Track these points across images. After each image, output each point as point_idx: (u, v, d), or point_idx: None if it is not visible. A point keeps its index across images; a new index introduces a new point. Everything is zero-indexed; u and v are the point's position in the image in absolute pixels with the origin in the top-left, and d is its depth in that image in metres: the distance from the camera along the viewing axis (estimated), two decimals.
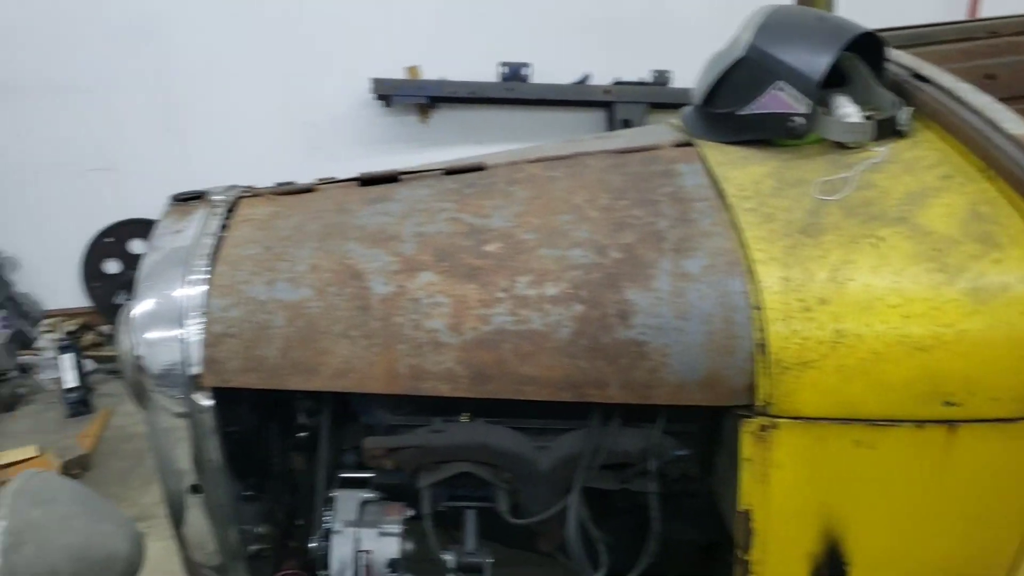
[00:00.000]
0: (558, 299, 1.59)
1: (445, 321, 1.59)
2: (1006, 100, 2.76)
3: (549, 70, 4.01)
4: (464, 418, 1.77)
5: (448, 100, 3.99)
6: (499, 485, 1.80)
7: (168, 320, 1.64)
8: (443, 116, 4.12)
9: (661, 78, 3.85)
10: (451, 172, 1.94)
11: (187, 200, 1.87)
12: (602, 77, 3.98)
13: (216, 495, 1.73)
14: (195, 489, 1.72)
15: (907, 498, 1.54)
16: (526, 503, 1.80)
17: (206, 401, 1.64)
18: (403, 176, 1.94)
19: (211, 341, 1.62)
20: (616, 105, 3.88)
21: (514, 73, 3.92)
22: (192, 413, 1.65)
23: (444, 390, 1.59)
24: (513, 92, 3.91)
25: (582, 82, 3.95)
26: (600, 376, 1.56)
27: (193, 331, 1.62)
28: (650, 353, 1.55)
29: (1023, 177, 1.50)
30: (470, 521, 1.89)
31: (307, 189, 1.93)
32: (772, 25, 1.87)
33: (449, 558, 1.81)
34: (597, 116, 4.01)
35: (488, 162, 1.97)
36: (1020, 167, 1.51)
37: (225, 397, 1.69)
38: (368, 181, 1.92)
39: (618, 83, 3.94)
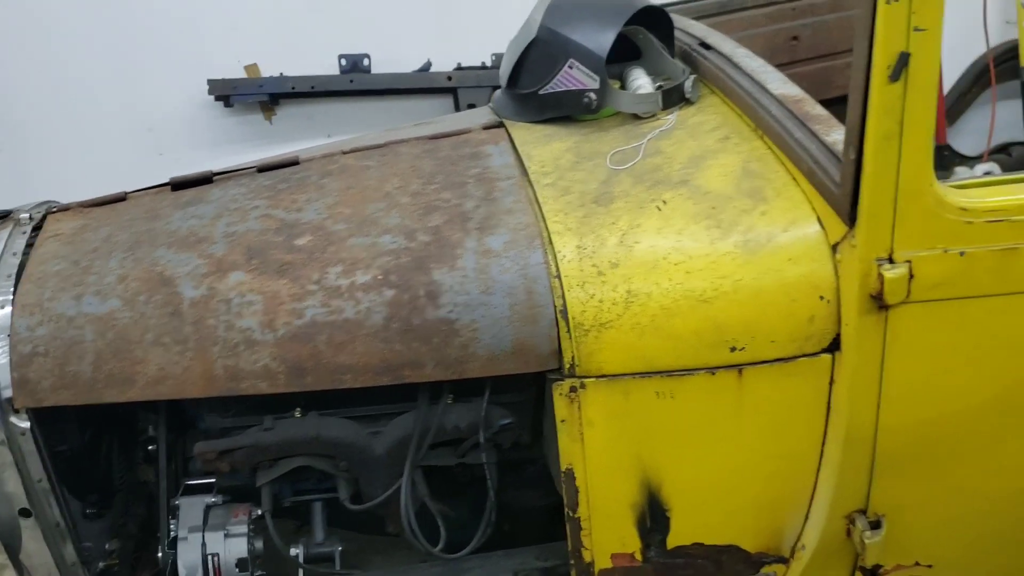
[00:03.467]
0: (369, 286, 1.63)
1: (258, 319, 1.62)
2: (810, 60, 2.94)
3: (391, 59, 4.01)
4: (297, 413, 1.80)
5: (290, 96, 3.95)
6: (338, 474, 1.84)
7: None
8: (288, 112, 4.08)
9: (501, 61, 3.91)
10: (264, 169, 1.95)
11: None
12: (444, 63, 4.01)
13: (48, 516, 1.72)
14: (25, 513, 1.71)
15: (710, 442, 1.64)
16: (366, 489, 1.84)
17: (23, 423, 1.62)
18: (217, 177, 1.94)
19: (20, 362, 1.60)
20: (460, 90, 3.92)
21: (354, 64, 3.91)
22: (11, 437, 1.63)
23: (263, 388, 1.62)
24: (355, 84, 3.89)
25: (424, 70, 3.97)
26: (415, 357, 1.62)
27: (0, 354, 1.60)
28: (460, 330, 1.61)
29: (783, 133, 1.61)
30: (316, 513, 1.92)
31: (118, 199, 1.91)
32: (561, 5, 1.95)
33: (297, 551, 1.84)
34: (443, 102, 4.03)
35: (303, 156, 2.00)
36: (781, 124, 1.63)
37: (48, 417, 1.67)
38: (179, 185, 1.92)
39: (460, 68, 3.98)
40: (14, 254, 1.74)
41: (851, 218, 1.43)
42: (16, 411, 1.62)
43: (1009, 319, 1.48)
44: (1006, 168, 3.76)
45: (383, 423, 1.82)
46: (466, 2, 4.01)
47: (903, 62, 1.25)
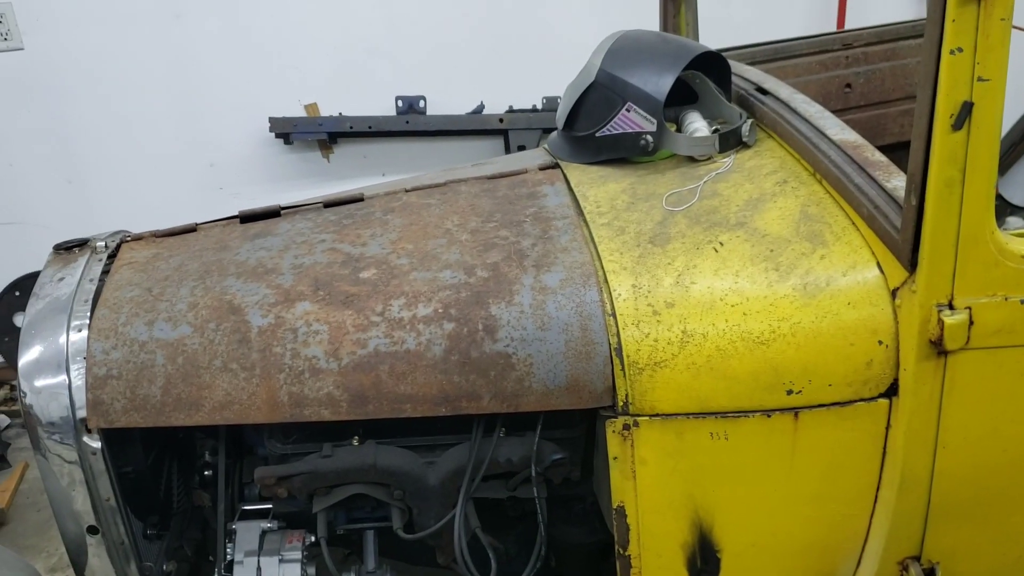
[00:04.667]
0: (430, 319, 1.68)
1: (323, 348, 1.66)
2: (862, 107, 2.97)
3: (445, 101, 4.11)
4: (354, 441, 1.84)
5: (348, 135, 4.06)
6: (392, 503, 1.86)
7: (53, 367, 1.69)
8: (345, 151, 4.19)
9: (552, 104, 3.98)
10: (330, 204, 2.02)
11: (70, 248, 1.91)
12: (496, 106, 4.10)
13: (114, 535, 1.77)
14: (92, 530, 1.76)
15: (763, 483, 1.65)
16: (419, 518, 1.86)
17: (95, 443, 1.68)
18: (284, 211, 2.01)
19: (94, 384, 1.66)
20: (511, 132, 4.00)
21: (410, 106, 4.02)
22: (83, 456, 1.69)
23: (325, 415, 1.66)
24: (411, 125, 4.00)
25: (477, 112, 4.06)
26: (472, 389, 1.65)
27: (77, 376, 1.67)
28: (517, 364, 1.64)
29: (843, 178, 1.63)
30: (369, 541, 1.95)
31: (189, 230, 1.98)
32: (619, 50, 2.00)
33: None
34: (494, 143, 4.12)
35: (367, 193, 2.06)
36: (840, 169, 1.65)
37: (117, 438, 1.73)
38: (248, 218, 1.99)
39: (511, 111, 4.06)
40: (91, 280, 1.81)
41: (912, 263, 1.45)
42: (89, 431, 1.67)
43: None
44: None
45: (437, 454, 1.85)
46: (518, 47, 4.12)
47: (966, 111, 1.28)
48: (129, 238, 1.98)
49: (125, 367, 1.67)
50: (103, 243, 1.93)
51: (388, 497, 1.85)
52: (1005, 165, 4.26)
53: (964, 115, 1.27)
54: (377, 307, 1.70)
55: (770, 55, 2.85)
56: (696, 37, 2.62)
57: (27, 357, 1.70)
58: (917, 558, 1.64)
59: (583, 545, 2.06)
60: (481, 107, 4.06)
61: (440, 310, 1.68)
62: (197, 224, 2.01)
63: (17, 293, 4.26)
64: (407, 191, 2.04)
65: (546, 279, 1.70)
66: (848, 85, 2.93)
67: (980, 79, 1.26)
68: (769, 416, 1.58)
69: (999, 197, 4.13)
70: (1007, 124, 4.22)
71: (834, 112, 2.77)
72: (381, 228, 1.90)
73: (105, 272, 1.85)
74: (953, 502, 1.58)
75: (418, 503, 1.85)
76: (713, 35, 2.71)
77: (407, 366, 1.65)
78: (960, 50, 1.25)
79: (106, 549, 1.77)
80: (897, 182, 1.55)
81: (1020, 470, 1.56)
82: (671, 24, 2.64)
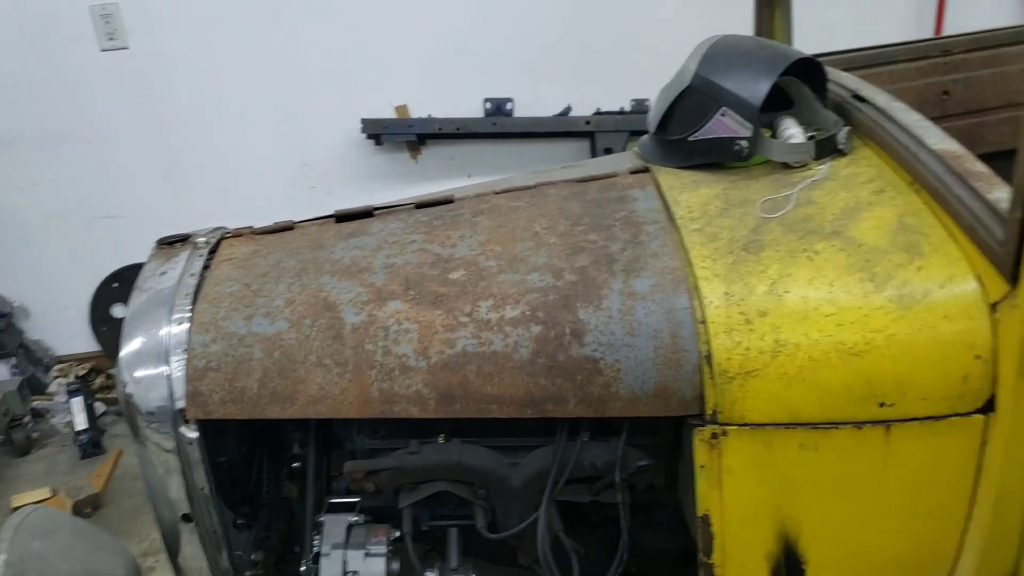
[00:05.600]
0: (517, 321, 1.69)
1: (413, 346, 1.70)
2: (960, 115, 2.88)
3: (532, 103, 4.14)
4: (440, 439, 1.87)
5: (436, 136, 4.12)
6: (476, 502, 1.88)
7: (154, 358, 1.75)
8: (433, 152, 4.26)
9: (640, 107, 3.97)
10: (421, 206, 2.05)
11: (172, 243, 1.99)
12: (584, 108, 4.11)
13: (207, 523, 1.83)
14: (187, 518, 1.82)
15: (852, 497, 1.62)
16: (502, 518, 1.88)
17: (192, 434, 1.74)
18: (377, 211, 2.05)
19: (194, 376, 1.72)
20: (597, 134, 4.00)
21: (498, 108, 4.05)
22: (180, 445, 1.75)
23: (414, 412, 1.69)
24: (498, 126, 4.04)
25: (564, 114, 4.07)
26: (559, 392, 1.66)
27: (177, 367, 1.73)
28: (604, 369, 1.64)
29: (942, 189, 1.59)
30: (452, 538, 1.97)
31: (286, 227, 2.04)
32: (715, 55, 1.98)
33: (432, 575, 1.90)
34: (580, 145, 4.13)
35: (457, 195, 2.09)
36: (940, 180, 1.61)
37: (212, 429, 1.79)
38: (343, 217, 2.04)
39: (598, 113, 4.06)
40: (192, 275, 1.87)
41: (1013, 277, 1.40)
42: (186, 422, 1.74)
43: None
44: None
45: (522, 455, 1.86)
46: (605, 49, 4.12)
47: None
48: (229, 234, 2.04)
49: (224, 360, 1.73)
50: (204, 239, 1.99)
51: (472, 496, 1.88)
52: None
53: None
54: (465, 308, 1.72)
55: (866, 61, 2.79)
56: (790, 41, 2.58)
57: (129, 348, 1.77)
58: None
59: (665, 552, 2.06)
60: (568, 109, 4.07)
61: (527, 312, 1.70)
62: (295, 222, 2.07)
63: (115, 284, 4.45)
64: (496, 193, 2.07)
65: (635, 284, 1.70)
66: (946, 92, 2.84)
67: None
68: (860, 428, 1.56)
69: None
70: None
71: (933, 120, 2.70)
72: (470, 230, 1.92)
73: (206, 267, 1.92)
74: None
75: (501, 503, 1.87)
76: (808, 40, 2.67)
77: (494, 367, 1.67)
78: None
79: (199, 537, 1.83)
80: (1000, 193, 1.50)
81: None
82: (765, 28, 2.60)
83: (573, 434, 1.83)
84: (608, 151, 3.91)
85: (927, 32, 4.06)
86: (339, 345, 1.71)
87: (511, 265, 1.80)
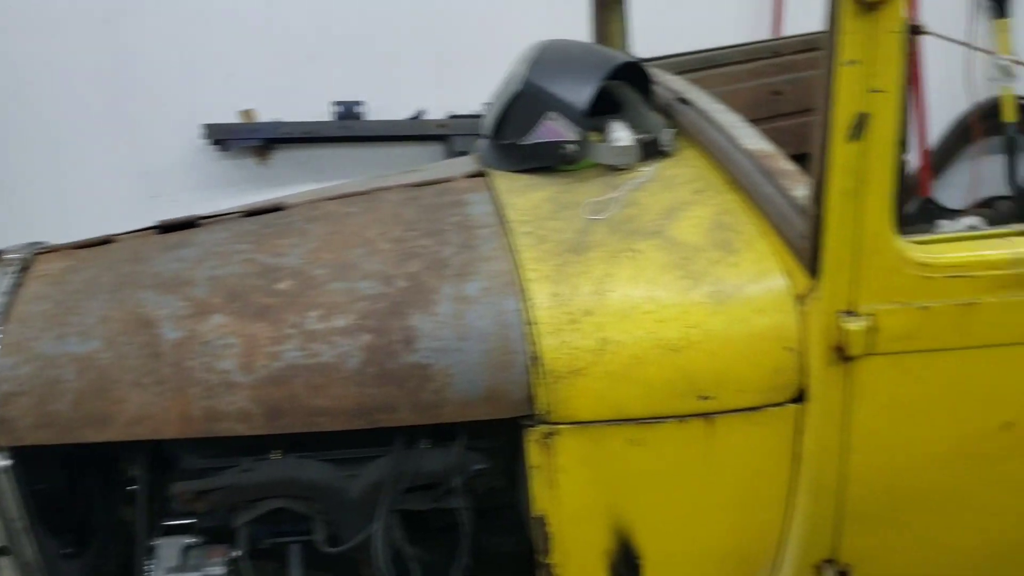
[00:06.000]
0: (346, 330, 1.66)
1: (236, 361, 1.64)
2: (791, 114, 3.00)
3: (387, 106, 4.10)
4: (276, 455, 1.81)
5: (286, 141, 4.03)
6: (314, 517, 1.84)
7: None
8: (282, 157, 4.16)
9: None
10: (251, 214, 1.99)
11: None
12: (438, 111, 4.09)
13: (26, 555, 1.72)
14: (3, 551, 1.72)
15: (680, 490, 1.66)
16: (342, 532, 1.84)
17: (3, 461, 1.64)
18: (203, 221, 1.98)
19: (0, 401, 1.62)
20: (452, 138, 4.00)
21: (348, 111, 4.00)
22: None
23: (240, 429, 1.64)
24: (349, 130, 3.98)
25: (416, 117, 4.05)
26: (389, 401, 1.64)
27: None
28: (434, 375, 1.63)
29: (753, 187, 1.66)
30: (293, 555, 1.91)
31: (105, 241, 1.95)
32: (543, 59, 2.00)
33: None
34: (434, 149, 4.11)
35: (289, 202, 2.04)
36: (752, 179, 1.67)
37: (28, 455, 1.69)
38: (166, 228, 1.96)
39: (453, 116, 4.06)
40: (2, 294, 1.77)
41: (815, 271, 1.47)
42: None
43: (970, 373, 1.51)
44: (990, 222, 3.82)
45: (358, 466, 1.83)
46: (461, 51, 4.11)
47: (862, 122, 1.30)
48: (44, 250, 1.93)
49: (33, 383, 1.63)
50: (15, 255, 1.88)
51: (309, 510, 1.83)
52: (939, 169, 4.34)
53: (860, 126, 1.29)
54: (292, 319, 1.68)
55: (702, 63, 2.88)
56: (627, 46, 2.64)
57: None
58: (832, 561, 1.66)
59: (512, 554, 2.06)
60: (421, 112, 4.05)
61: (357, 321, 1.67)
62: (114, 235, 1.97)
63: None
64: (329, 199, 2.03)
65: (466, 288, 1.69)
66: (777, 92, 2.96)
67: (875, 90, 1.29)
68: (683, 422, 1.60)
69: (932, 201, 4.21)
70: (940, 130, 4.31)
71: (764, 119, 2.80)
72: (300, 238, 1.88)
73: (18, 285, 1.81)
74: (865, 506, 1.60)
75: (340, 516, 1.83)
76: (651, 43, 2.73)
77: (322, 379, 1.63)
78: (855, 62, 1.27)
79: (19, 571, 1.73)
80: (804, 191, 1.57)
81: (926, 474, 1.58)
82: (601, 32, 2.65)
83: (413, 442, 1.81)
84: (463, 154, 3.91)
85: (766, 34, 4.21)
86: (157, 363, 1.64)
87: (342, 273, 1.76)
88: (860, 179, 1.35)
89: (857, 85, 1.29)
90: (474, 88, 4.08)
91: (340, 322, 1.67)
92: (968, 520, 1.63)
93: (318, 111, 4.02)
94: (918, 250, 1.45)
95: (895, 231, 1.42)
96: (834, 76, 1.30)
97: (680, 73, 2.56)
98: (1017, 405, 1.53)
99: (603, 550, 1.71)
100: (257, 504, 1.82)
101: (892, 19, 1.25)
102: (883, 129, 1.32)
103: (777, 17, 4.27)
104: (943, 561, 1.69)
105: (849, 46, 1.27)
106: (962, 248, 1.46)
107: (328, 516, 1.84)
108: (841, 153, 1.33)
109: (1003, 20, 3.98)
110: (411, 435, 1.80)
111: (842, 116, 1.31)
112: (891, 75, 1.29)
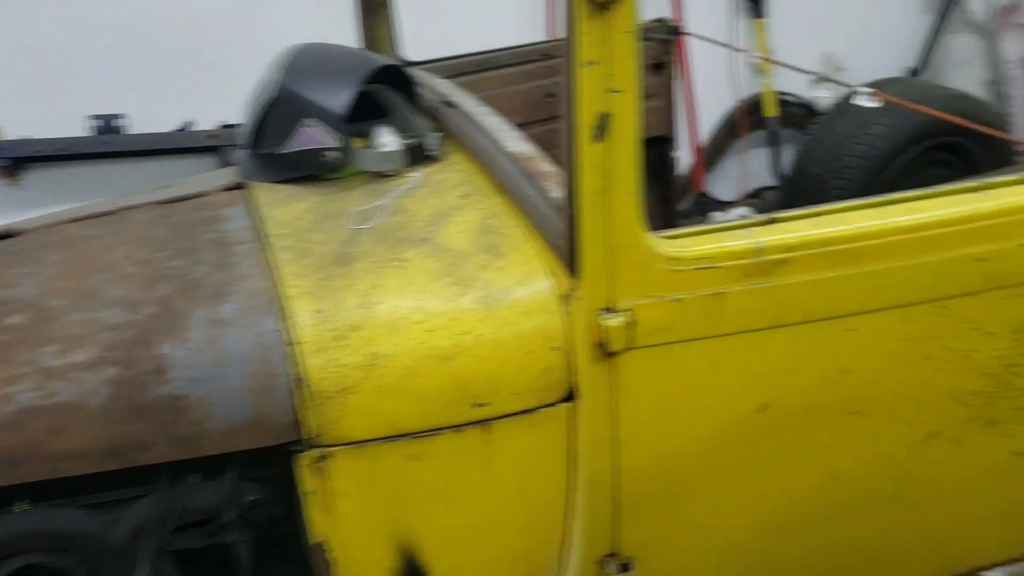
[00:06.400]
0: (88, 364, 1.52)
1: None
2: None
3: (153, 119, 3.86)
4: (23, 506, 1.64)
5: (39, 160, 3.72)
6: (74, 570, 1.68)
7: None
8: (39, 176, 3.84)
9: None
10: None
11: None
12: (209, 122, 3.90)
13: None
14: None
15: (462, 499, 1.63)
16: None
17: None
18: None
19: None
20: (225, 149, 3.81)
21: (107, 126, 3.73)
22: None
23: None
24: (109, 145, 3.72)
25: (183, 129, 3.84)
26: (143, 437, 1.51)
27: None
28: (191, 406, 1.52)
29: (517, 190, 1.65)
30: None
31: None
32: (298, 64, 1.93)
33: None
34: (206, 162, 3.92)
35: (23, 227, 1.86)
36: (515, 181, 1.66)
37: None
38: None
39: (225, 126, 3.87)
40: None
41: (574, 270, 1.48)
42: None
43: (724, 359, 1.56)
44: (759, 211, 4.07)
45: (121, 509, 1.69)
46: (230, 60, 3.93)
47: (604, 122, 1.31)
48: None
49: None
50: None
51: (67, 563, 1.67)
52: (710, 163, 4.58)
53: (603, 126, 1.30)
54: (25, 356, 1.52)
55: (474, 67, 2.87)
56: (396, 50, 2.59)
57: None
58: (613, 555, 1.68)
59: None
60: (189, 124, 3.84)
61: (101, 354, 1.53)
62: None
63: None
64: (70, 222, 1.86)
65: (222, 310, 1.59)
66: (551, 95, 3.01)
67: (614, 90, 1.30)
68: (460, 431, 1.57)
69: (705, 194, 4.43)
70: (712, 125, 4.53)
71: (540, 121, 2.82)
72: (35, 266, 1.71)
73: None
74: (639, 497, 1.63)
75: (103, 564, 1.67)
76: (426, 46, 2.70)
77: (65, 420, 1.49)
78: (593, 63, 1.28)
79: None
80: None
81: (690, 461, 1.63)
82: (369, 37, 2.59)
83: (179, 478, 1.68)
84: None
85: (541, 35, 4.29)
86: None
87: (82, 302, 1.62)
88: (607, 178, 1.36)
89: (597, 86, 1.30)
90: (246, 96, 3.93)
91: (81, 356, 1.52)
92: (736, 502, 1.70)
93: (74, 127, 3.74)
94: (667, 244, 1.49)
95: (644, 227, 1.44)
96: (575, 78, 1.31)
97: (455, 76, 2.55)
98: (770, 387, 1.60)
99: (388, 569, 1.65)
100: (2, 563, 1.65)
101: (625, 19, 1.26)
102: (624, 128, 1.33)
103: (551, 19, 4.36)
104: (717, 543, 1.75)
105: (587, 47, 1.28)
106: (709, 240, 1.51)
107: (90, 567, 1.68)
108: (588, 153, 1.34)
109: (760, 20, 4.25)
110: (177, 471, 1.67)
111: (585, 117, 1.32)
112: (627, 75, 1.31)
